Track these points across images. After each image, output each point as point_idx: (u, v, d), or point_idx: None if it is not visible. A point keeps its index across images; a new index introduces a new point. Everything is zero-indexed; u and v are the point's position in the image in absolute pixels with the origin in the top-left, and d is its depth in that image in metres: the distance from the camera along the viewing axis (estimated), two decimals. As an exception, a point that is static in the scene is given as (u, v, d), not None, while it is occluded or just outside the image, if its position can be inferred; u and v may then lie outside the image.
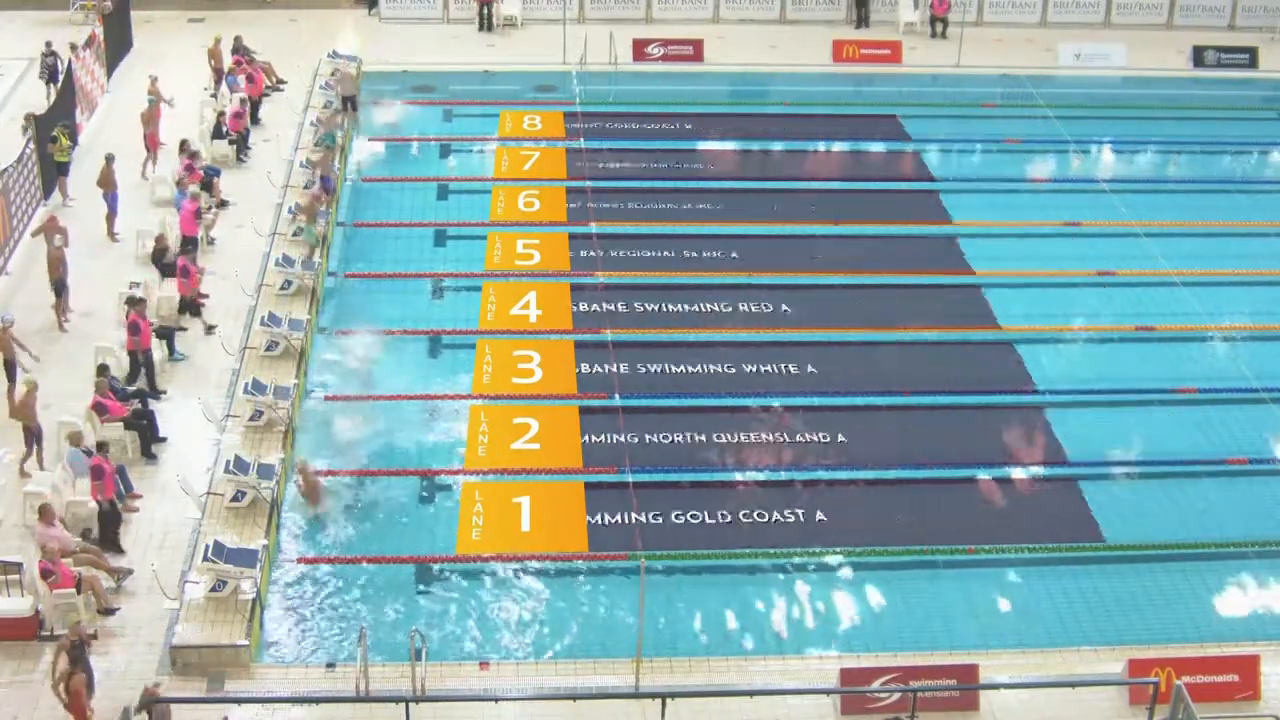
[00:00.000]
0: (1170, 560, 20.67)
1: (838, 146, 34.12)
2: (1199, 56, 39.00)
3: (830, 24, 40.35)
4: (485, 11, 39.11)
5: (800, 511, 21.35)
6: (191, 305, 24.95)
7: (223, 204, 28.65)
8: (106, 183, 27.48)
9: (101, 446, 20.12)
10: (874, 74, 37.86)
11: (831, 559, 20.36)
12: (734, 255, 28.42)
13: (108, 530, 19.67)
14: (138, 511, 20.36)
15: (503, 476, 21.83)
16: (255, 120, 32.56)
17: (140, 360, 22.87)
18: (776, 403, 23.89)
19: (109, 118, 32.68)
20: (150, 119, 29.96)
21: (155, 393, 22.66)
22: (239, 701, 17.13)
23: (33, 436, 20.86)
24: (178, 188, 27.92)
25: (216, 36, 34.52)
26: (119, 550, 19.54)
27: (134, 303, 23.13)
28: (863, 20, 39.89)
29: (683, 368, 24.81)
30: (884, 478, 22.23)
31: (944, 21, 39.64)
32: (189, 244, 26.09)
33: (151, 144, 29.98)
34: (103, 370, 21.84)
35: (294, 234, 26.92)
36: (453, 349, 25.06)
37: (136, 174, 29.35)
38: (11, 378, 22.14)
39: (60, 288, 24.57)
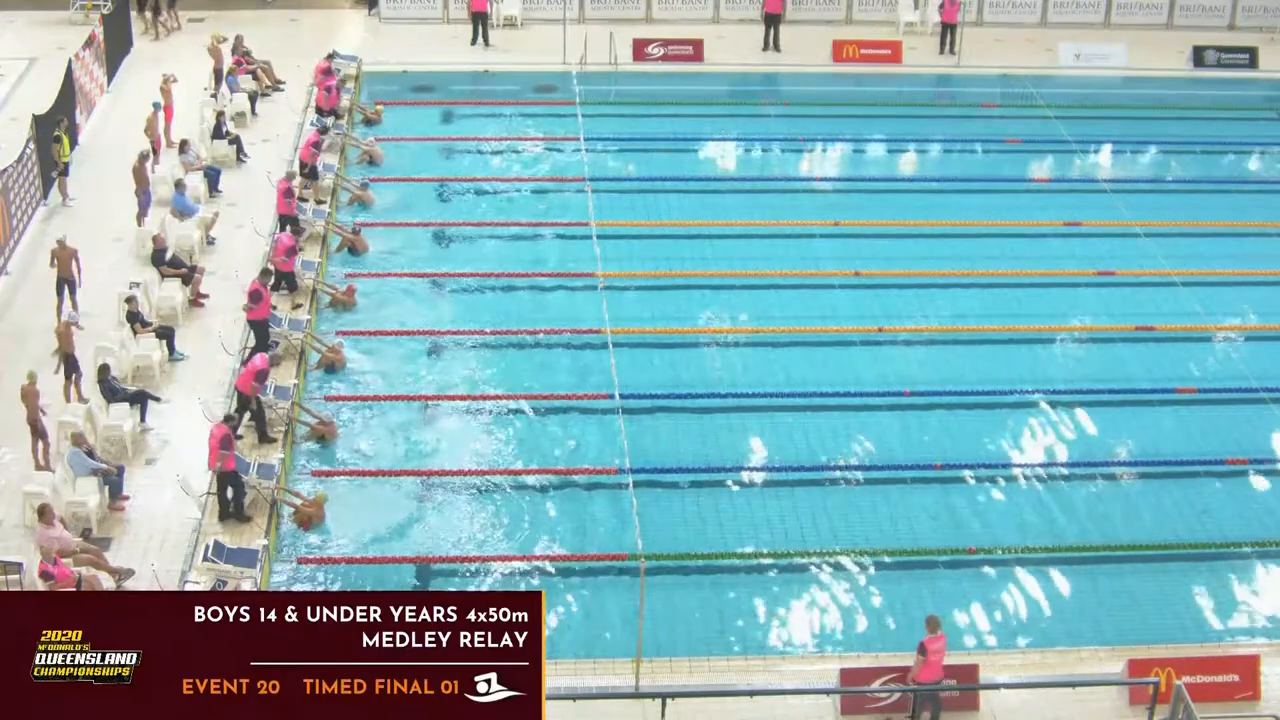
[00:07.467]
0: (1170, 560, 20.67)
1: (838, 145, 34.17)
2: (1199, 56, 38.99)
3: (830, 24, 40.37)
4: (480, 27, 38.00)
5: (801, 512, 21.36)
6: (290, 279, 25.57)
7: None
8: (141, 179, 27.57)
9: (229, 420, 20.65)
10: (874, 74, 37.87)
11: (831, 559, 20.35)
12: (733, 254, 28.50)
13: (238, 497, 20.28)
14: (123, 511, 20.38)
15: (502, 476, 21.85)
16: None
17: (257, 331, 23.57)
18: (777, 402, 23.90)
19: (109, 118, 32.69)
20: (152, 126, 29.98)
21: (154, 396, 22.64)
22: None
23: (38, 432, 20.89)
24: (176, 189, 27.96)
25: (216, 36, 34.54)
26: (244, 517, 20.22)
27: (264, 275, 24.20)
28: (770, 44, 38.34)
29: (681, 366, 24.85)
30: (885, 478, 22.22)
31: (953, 31, 38.36)
32: (286, 222, 27.07)
33: (157, 145, 30.02)
34: (103, 370, 21.86)
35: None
36: (456, 349, 25.11)
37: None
38: (69, 373, 22.24)
39: (72, 286, 24.53)
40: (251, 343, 23.72)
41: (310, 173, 29.17)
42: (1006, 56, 38.78)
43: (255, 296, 23.45)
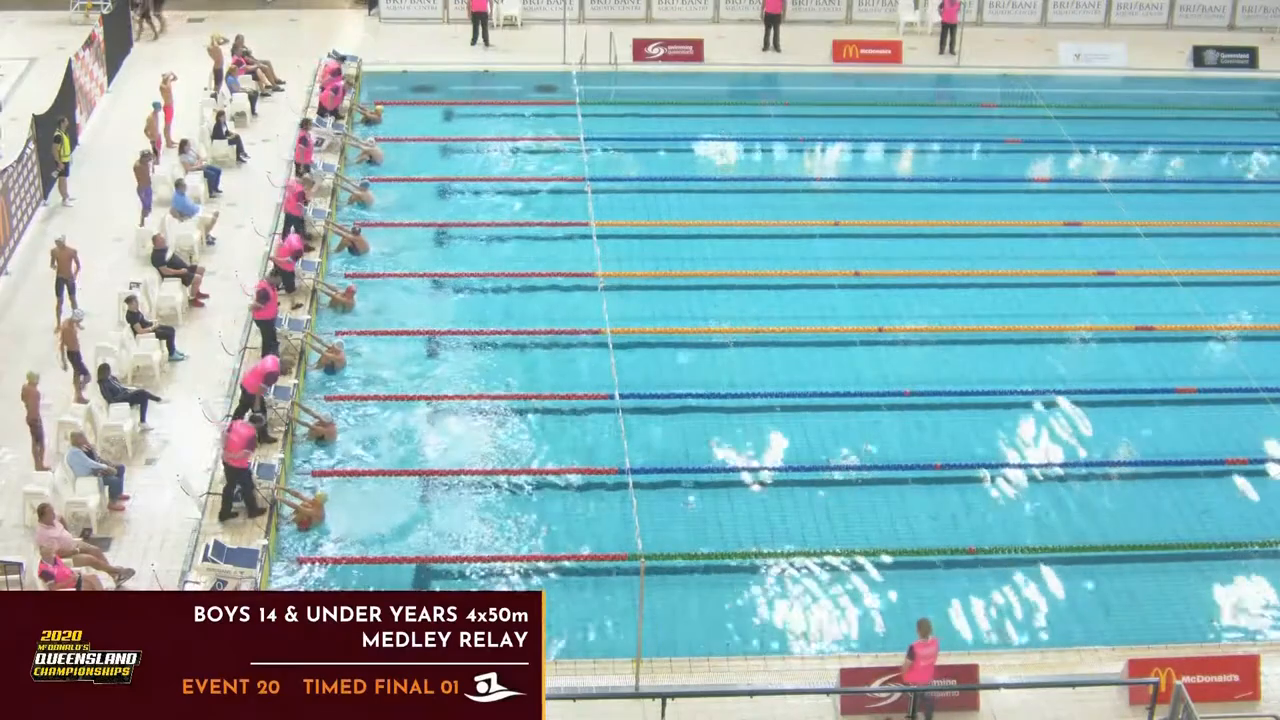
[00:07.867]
0: (1170, 560, 20.66)
1: (838, 145, 34.17)
2: (1199, 56, 39.00)
3: (830, 24, 40.38)
4: (480, 27, 38.05)
5: (801, 512, 21.36)
6: (289, 280, 25.60)
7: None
8: (142, 179, 27.57)
9: (255, 420, 20.85)
10: (874, 74, 37.86)
11: (831, 559, 20.35)
12: (732, 254, 28.50)
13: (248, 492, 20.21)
14: (123, 511, 20.37)
15: (502, 476, 21.84)
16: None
17: (264, 330, 23.67)
18: (777, 402, 23.90)
19: (109, 118, 32.68)
20: (152, 126, 29.95)
21: (154, 396, 22.62)
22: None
23: (36, 431, 20.89)
24: (176, 189, 27.94)
25: (216, 36, 34.53)
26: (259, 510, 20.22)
27: (273, 274, 24.57)
28: (770, 44, 38.33)
29: (681, 366, 24.84)
30: (885, 478, 22.22)
31: (953, 31, 38.33)
32: (291, 223, 27.06)
33: (157, 145, 30.01)
34: (103, 370, 21.85)
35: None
36: (456, 349, 25.10)
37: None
38: (79, 369, 22.24)
39: (71, 286, 24.52)
40: (252, 342, 23.71)
41: (304, 172, 29.14)
42: (1006, 56, 38.79)
43: (263, 296, 23.46)
